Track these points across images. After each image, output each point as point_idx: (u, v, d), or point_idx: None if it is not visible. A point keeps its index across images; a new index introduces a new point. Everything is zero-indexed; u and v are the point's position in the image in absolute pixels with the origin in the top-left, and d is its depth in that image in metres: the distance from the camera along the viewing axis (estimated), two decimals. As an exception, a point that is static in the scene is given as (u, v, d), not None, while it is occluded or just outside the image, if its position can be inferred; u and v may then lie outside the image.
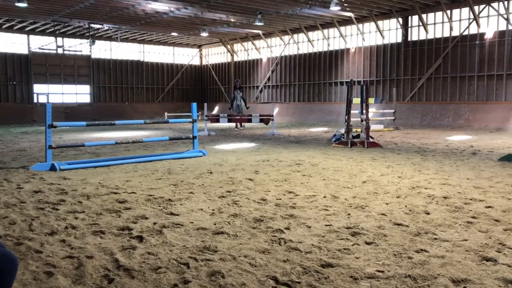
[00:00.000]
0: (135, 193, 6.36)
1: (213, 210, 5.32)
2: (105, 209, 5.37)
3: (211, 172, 8.18)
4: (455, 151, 11.85)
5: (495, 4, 22.10)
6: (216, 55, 40.78)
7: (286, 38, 33.38)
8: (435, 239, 4.19)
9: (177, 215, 5.11)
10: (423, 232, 4.40)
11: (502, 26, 22.10)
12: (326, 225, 4.64)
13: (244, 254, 3.76)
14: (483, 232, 4.39)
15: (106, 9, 25.12)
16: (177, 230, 4.49)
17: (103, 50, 36.27)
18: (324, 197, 6.04)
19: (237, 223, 4.73)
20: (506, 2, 21.67)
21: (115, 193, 6.37)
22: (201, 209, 5.36)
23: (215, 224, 4.69)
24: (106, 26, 30.82)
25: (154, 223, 4.73)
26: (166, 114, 32.15)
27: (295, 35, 32.68)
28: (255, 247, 3.96)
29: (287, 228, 4.54)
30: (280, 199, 5.92)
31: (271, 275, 3.34)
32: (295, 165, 9.11)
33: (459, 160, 10.00)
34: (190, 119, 11.05)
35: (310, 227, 4.59)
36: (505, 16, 21.85)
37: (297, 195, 6.18)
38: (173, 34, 34.33)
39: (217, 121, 18.88)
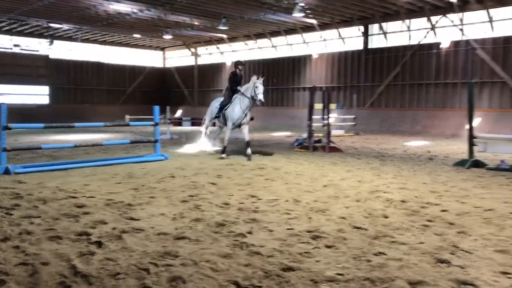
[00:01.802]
0: (94, 197, 6.21)
1: (175, 214, 5.26)
2: (63, 214, 5.22)
3: (173, 176, 8.09)
4: (413, 156, 12.22)
5: (450, 15, 22.98)
6: (179, 58, 40.46)
7: (250, 42, 33.53)
8: (393, 242, 4.30)
9: (138, 220, 5.02)
10: (381, 235, 4.51)
11: (457, 36, 23.00)
12: (287, 229, 4.68)
13: (206, 259, 3.74)
14: (438, 235, 4.54)
15: (67, 8, 24.48)
16: (137, 235, 4.41)
17: (63, 50, 35.29)
18: (286, 201, 6.08)
19: (199, 228, 4.70)
20: (460, 14, 22.58)
21: (73, 197, 6.20)
22: (163, 214, 5.28)
23: (176, 229, 4.64)
24: (66, 26, 30.03)
25: (114, 228, 4.63)
26: (127, 116, 31.58)
27: (259, 40, 32.88)
28: (217, 251, 3.94)
29: (250, 232, 4.54)
30: (243, 203, 5.92)
31: (233, 279, 3.33)
32: (258, 169, 9.14)
33: (416, 165, 10.31)
34: (152, 122, 10.91)
35: (272, 231, 4.62)
36: (460, 27, 22.75)
37: (259, 199, 6.20)
38: (135, 35, 33.83)
39: (180, 124, 18.70)
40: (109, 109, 36.60)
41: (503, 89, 21.40)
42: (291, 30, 29.93)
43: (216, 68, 36.55)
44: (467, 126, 10.27)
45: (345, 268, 3.57)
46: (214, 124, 12.63)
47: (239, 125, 11.26)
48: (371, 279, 3.35)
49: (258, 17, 26.01)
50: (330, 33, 28.62)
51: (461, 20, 22.72)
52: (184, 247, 4.05)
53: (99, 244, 4.12)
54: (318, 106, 16.37)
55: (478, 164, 9.85)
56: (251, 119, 11.45)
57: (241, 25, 28.96)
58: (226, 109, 11.30)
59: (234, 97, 11.26)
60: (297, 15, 23.13)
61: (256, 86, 10.81)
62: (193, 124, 20.39)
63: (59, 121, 29.90)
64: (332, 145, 13.38)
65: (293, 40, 30.94)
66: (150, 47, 39.82)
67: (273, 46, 32.14)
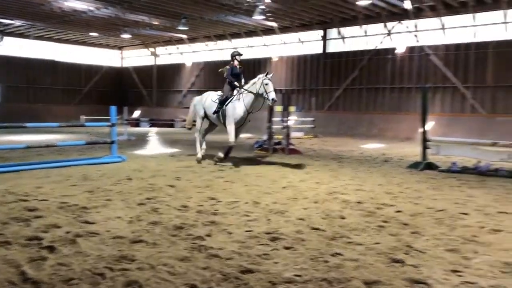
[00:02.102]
0: (46, 200, 5.98)
1: (132, 218, 5.15)
2: (12, 218, 5.00)
3: (130, 179, 7.93)
4: (369, 158, 12.51)
5: (405, 22, 23.73)
6: (138, 57, 39.75)
7: (210, 43, 33.39)
8: (350, 242, 4.38)
9: (93, 223, 4.89)
10: (338, 236, 4.58)
11: (412, 42, 23.78)
12: (247, 231, 4.67)
13: (163, 263, 3.68)
14: (393, 236, 4.66)
15: (19, 4, 23.55)
16: (92, 239, 4.29)
17: (14, 47, 33.89)
18: (246, 203, 6.08)
19: (157, 231, 4.62)
20: (415, 20, 23.35)
21: (24, 200, 5.95)
22: (119, 217, 5.16)
23: (133, 232, 4.54)
24: (18, 22, 28.86)
25: (67, 232, 4.48)
26: (82, 117, 30.70)
27: (219, 42, 32.79)
28: (174, 255, 3.89)
29: (208, 235, 4.51)
30: (202, 205, 5.88)
31: (190, 283, 3.30)
32: (217, 171, 9.10)
33: (372, 167, 10.56)
34: (109, 123, 10.65)
35: (231, 233, 4.60)
36: (414, 33, 23.54)
37: (219, 201, 6.17)
38: (92, 34, 32.97)
39: (138, 125, 18.37)
40: (64, 109, 35.47)
41: (454, 94, 22.29)
42: (251, 32, 30.04)
43: (175, 69, 36.16)
44: (421, 130, 10.62)
45: (303, 269, 3.60)
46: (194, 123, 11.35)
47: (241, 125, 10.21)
48: (328, 279, 3.40)
49: (218, 18, 25.93)
50: (290, 37, 28.92)
51: (416, 26, 23.51)
52: (141, 251, 3.97)
53: (51, 249, 3.97)
54: (278, 108, 16.51)
55: (431, 166, 10.21)
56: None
57: (202, 26, 28.79)
58: (226, 105, 10.16)
59: (235, 92, 10.20)
60: (258, 17, 23.24)
61: (265, 84, 9.66)
62: (151, 125, 20.05)
63: (11, 121, 28.67)
64: (291, 147, 13.50)
65: (253, 42, 31.05)
66: (107, 46, 38.90)
67: (233, 48, 32.12)
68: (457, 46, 22.19)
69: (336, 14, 24.63)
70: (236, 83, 10.30)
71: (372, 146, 16.91)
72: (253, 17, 23.30)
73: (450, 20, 22.53)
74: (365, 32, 25.39)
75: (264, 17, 23.73)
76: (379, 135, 22.98)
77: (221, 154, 9.99)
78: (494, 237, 4.67)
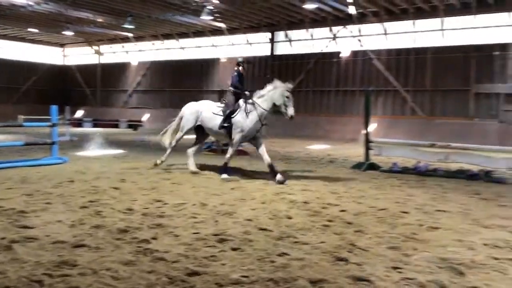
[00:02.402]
0: (-20, 204, 5.64)
1: (73, 221, 4.95)
2: None
3: (72, 181, 7.63)
4: (315, 159, 12.77)
5: (350, 27, 24.44)
6: (81, 55, 38.41)
7: (157, 43, 32.85)
8: (296, 242, 4.44)
9: (31, 228, 4.66)
10: (285, 236, 4.63)
11: (356, 47, 24.52)
12: (194, 233, 4.63)
13: (107, 267, 3.57)
14: (337, 234, 4.77)
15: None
16: (30, 245, 4.09)
17: None
18: (193, 204, 6.02)
19: (100, 235, 4.47)
20: (359, 25, 24.10)
21: (-45, 205, 5.58)
22: (60, 221, 4.95)
23: (75, 237, 4.37)
24: None
25: (2, 238, 4.24)
26: (20, 116, 29.22)
27: (166, 41, 32.33)
28: (118, 259, 3.78)
29: (154, 238, 4.42)
30: (148, 208, 5.75)
31: (135, 287, 3.21)
32: (164, 173, 8.95)
33: (318, 167, 10.78)
34: (49, 123, 10.20)
35: (178, 235, 4.54)
36: (358, 37, 24.29)
37: (165, 203, 6.06)
38: (31, 30, 31.48)
39: (80, 125, 17.77)
40: (1, 108, 33.65)
41: (396, 97, 23.21)
42: (199, 32, 29.85)
43: (121, 68, 35.26)
44: (364, 131, 10.97)
45: (250, 270, 3.61)
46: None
47: (253, 139, 8.89)
48: (274, 279, 3.42)
49: (166, 17, 25.57)
50: (239, 38, 29.00)
51: (360, 31, 24.27)
52: (83, 256, 3.83)
53: (-16, 256, 3.74)
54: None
55: (373, 166, 10.57)
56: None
57: (148, 25, 28.27)
58: (233, 117, 8.82)
59: (241, 102, 8.96)
60: (205, 18, 23.14)
61: (286, 96, 8.70)
62: (95, 126, 19.44)
63: None
64: (240, 148, 13.51)
65: (201, 43, 30.87)
66: (48, 43, 37.33)
67: (181, 48, 31.79)
68: (398, 51, 23.12)
69: (283, 17, 24.97)
70: (246, 93, 9.13)
71: (318, 147, 17.26)
72: (201, 17, 23.16)
73: (392, 26, 23.44)
74: (312, 36, 25.91)
75: (212, 17, 23.66)
76: (325, 136, 23.49)
77: (225, 176, 8.46)
78: (432, 234, 4.89)
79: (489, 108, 20.65)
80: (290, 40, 26.75)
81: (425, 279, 3.51)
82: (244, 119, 8.74)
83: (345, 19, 24.07)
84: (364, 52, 24.08)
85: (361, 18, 23.66)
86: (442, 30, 21.70)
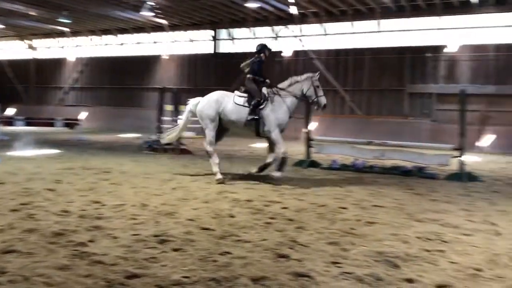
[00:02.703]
0: None
1: (3, 226, 4.67)
2: None
3: (2, 183, 7.19)
4: (258, 157, 12.84)
5: (291, 26, 24.83)
6: (12, 50, 36.30)
7: (95, 38, 31.73)
8: (238, 240, 4.44)
9: (-45, 234, 4.34)
10: (228, 235, 4.62)
11: (298, 46, 24.94)
12: (133, 235, 4.51)
13: (39, 273, 3.39)
14: (279, 231, 4.83)
15: None
16: (-46, 252, 3.81)
17: None
18: (133, 205, 5.86)
19: (32, 239, 4.25)
20: (300, 26, 24.54)
21: None
22: (-13, 226, 4.65)
23: (4, 242, 4.12)
24: None
25: None
26: None
27: (105, 37, 31.30)
28: (52, 264, 3.60)
29: (91, 241, 4.26)
30: (85, 210, 5.53)
31: (70, 293, 3.08)
32: (102, 173, 8.65)
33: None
34: (-23, 122, 9.56)
35: (116, 237, 4.40)
36: (300, 37, 24.73)
37: (104, 205, 5.86)
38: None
39: (11, 124, 16.82)
40: None
41: (335, 96, 23.85)
42: (140, 28, 29.15)
43: (56, 64, 33.71)
44: (305, 130, 11.20)
45: (192, 271, 3.57)
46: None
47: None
48: (216, 279, 3.40)
49: (104, 12, 24.74)
50: (180, 35, 28.62)
51: (301, 31, 24.71)
52: (13, 262, 3.62)
53: None
54: (168, 107, 16.23)
55: (314, 164, 10.81)
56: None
57: (86, 20, 27.24)
58: (261, 108, 8.24)
59: (267, 93, 8.41)
60: (146, 14, 22.63)
61: (317, 86, 8.33)
62: (28, 124, 18.46)
63: None
64: (182, 147, 13.36)
65: (142, 39, 30.16)
66: (-25, 36, 35.01)
67: (120, 44, 30.90)
68: (338, 52, 23.78)
69: (226, 15, 24.94)
70: (267, 81, 8.63)
71: (261, 146, 17.39)
72: (141, 13, 22.63)
73: (331, 26, 24.06)
74: (254, 34, 26.06)
75: (153, 13, 23.17)
76: (268, 134, 23.66)
77: (277, 174, 8.14)
78: (369, 229, 5.07)
79: (422, 108, 21.72)
80: (233, 38, 26.76)
81: (363, 272, 3.63)
82: (275, 111, 8.20)
83: (287, 19, 24.41)
84: (305, 52, 24.55)
85: (302, 18, 24.10)
86: (378, 31, 22.54)
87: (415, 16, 21.65)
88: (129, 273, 3.46)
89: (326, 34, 24.03)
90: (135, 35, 29.92)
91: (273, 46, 25.27)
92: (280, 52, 25.24)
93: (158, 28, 28.31)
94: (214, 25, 26.94)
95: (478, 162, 13.27)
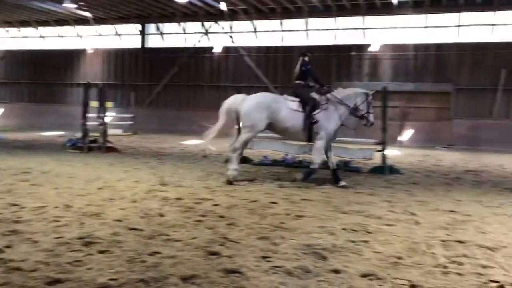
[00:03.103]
0: None
1: None
2: None
3: None
4: (189, 154, 12.72)
5: (222, 23, 24.79)
6: None
7: (12, 30, 29.72)
8: (168, 240, 4.36)
9: None
10: (157, 234, 4.53)
11: (228, 43, 24.95)
12: (56, 238, 4.28)
13: None
14: (210, 229, 4.80)
15: None
16: None
17: None
18: (55, 207, 5.56)
19: None
20: (230, 22, 24.56)
21: None
22: None
23: None
24: None
25: None
26: None
27: (23, 29, 29.42)
28: (-38, 274, 3.33)
29: (8, 246, 3.99)
30: (1, 213, 5.17)
31: (-16, 304, 2.87)
32: (22, 174, 8.13)
33: (192, 163, 10.77)
34: None
35: (37, 242, 4.16)
36: (230, 34, 24.75)
37: (23, 207, 5.50)
38: None
39: None
40: None
41: (266, 93, 24.17)
42: (62, 21, 27.71)
43: (-32, 57, 31.21)
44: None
45: (119, 272, 3.45)
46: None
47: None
48: (145, 280, 3.32)
49: (21, 2, 23.23)
50: (106, 29, 27.57)
51: (231, 28, 24.74)
52: None
53: None
54: (93, 104, 15.60)
55: (245, 160, 10.87)
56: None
57: (1, 10, 25.42)
58: (315, 114, 8.01)
59: (319, 99, 8.19)
60: (68, 5, 21.57)
61: (369, 102, 8.29)
62: None
63: None
64: (109, 145, 12.89)
65: (65, 32, 28.71)
66: None
67: (41, 37, 29.20)
68: (268, 49, 24.09)
69: (154, 9, 24.38)
70: (325, 87, 8.46)
71: (192, 143, 17.22)
72: (63, 5, 21.53)
73: (261, 24, 24.32)
74: (184, 30, 25.71)
75: (75, 5, 22.12)
76: (199, 131, 23.41)
77: (299, 176, 8.09)
78: (298, 222, 5.19)
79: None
80: (161, 33, 26.22)
81: (292, 265, 3.70)
82: (327, 119, 8.00)
83: (217, 15, 24.34)
84: (236, 49, 24.62)
85: (232, 15, 24.14)
86: (306, 30, 23.11)
87: (340, 16, 22.45)
88: (51, 279, 3.28)
89: (256, 32, 24.24)
90: (57, 27, 28.41)
91: (203, 42, 25.19)
92: (211, 48, 25.12)
93: (82, 21, 27.08)
94: (142, 19, 26.24)
95: (399, 156, 14.04)
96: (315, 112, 8.00)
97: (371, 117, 8.38)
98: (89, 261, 3.70)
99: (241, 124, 8.19)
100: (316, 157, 8.12)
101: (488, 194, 7.59)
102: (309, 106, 8.00)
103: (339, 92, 8.40)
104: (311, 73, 8.48)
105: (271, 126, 8.14)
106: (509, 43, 20.07)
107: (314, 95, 8.24)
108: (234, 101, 8.21)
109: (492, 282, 3.50)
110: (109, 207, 5.67)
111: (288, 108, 8.03)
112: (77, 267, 3.56)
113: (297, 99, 8.17)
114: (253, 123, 7.96)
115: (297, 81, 8.43)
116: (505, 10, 20.03)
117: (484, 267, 3.84)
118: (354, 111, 8.28)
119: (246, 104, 8.02)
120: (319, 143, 8.06)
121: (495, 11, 19.93)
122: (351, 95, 8.35)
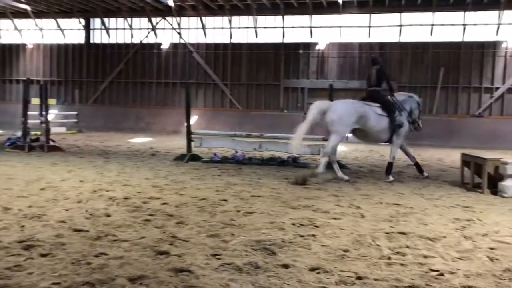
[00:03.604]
0: None
1: None
2: None
3: None
4: (136, 153, 12.45)
5: (169, 19, 24.39)
6: None
7: None
8: (115, 240, 4.25)
9: None
10: (103, 235, 4.40)
11: (176, 39, 24.61)
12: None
13: None
14: (158, 228, 4.73)
15: None
16: None
17: None
18: (-7, 210, 5.28)
19: None
20: (178, 18, 24.22)
21: None
22: None
23: None
24: None
25: None
26: None
27: (-44, 21, 27.65)
28: None
29: None
30: None
31: None
32: (-45, 175, 7.66)
33: (139, 161, 10.55)
34: None
35: (-29, 248, 3.93)
36: (178, 30, 24.41)
37: (-44, 211, 5.19)
38: None
39: None
40: None
41: (215, 90, 24.07)
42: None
43: None
44: (186, 123, 11.11)
45: (62, 276, 3.33)
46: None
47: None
48: (91, 282, 3.22)
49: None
50: (48, 23, 26.40)
51: (179, 24, 24.40)
52: None
53: None
54: (35, 101, 14.94)
55: (195, 157, 10.80)
56: None
57: None
58: (397, 116, 8.79)
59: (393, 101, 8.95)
60: (6, -3, 20.48)
61: (420, 108, 9.27)
62: None
63: None
64: (52, 144, 12.39)
65: (2, 26, 27.22)
66: None
67: (-24, 30, 27.54)
68: (216, 46, 23.98)
69: (99, 4, 23.62)
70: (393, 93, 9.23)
71: (139, 140, 16.88)
72: (0, -3, 20.41)
73: (210, 21, 24.17)
74: (130, 25, 25.10)
75: (14, -2, 21.04)
76: (147, 129, 23.10)
77: (389, 178, 8.56)
78: (248, 219, 5.21)
79: (296, 101, 22.92)
80: (107, 29, 25.45)
81: (242, 262, 3.72)
82: (405, 119, 8.86)
83: (164, 11, 23.93)
84: (184, 45, 24.33)
85: (180, 11, 23.82)
86: (255, 28, 23.20)
87: (288, 14, 22.71)
88: (-12, 286, 3.11)
89: (204, 28, 24.05)
90: (-6, 20, 26.91)
91: (151, 38, 24.70)
92: (159, 44, 24.69)
93: (21, 14, 25.77)
94: (86, 14, 25.35)
95: (344, 151, 14.41)
96: (395, 115, 8.76)
97: (420, 122, 9.20)
98: (29, 265, 3.54)
99: (330, 129, 8.55)
100: (394, 152, 8.89)
101: (429, 187, 7.96)
102: (391, 110, 8.74)
103: (398, 96, 9.18)
104: (386, 80, 9.15)
105: (357, 130, 8.75)
106: (447, 43, 21.10)
107: (390, 99, 8.99)
108: (321, 107, 8.57)
109: (433, 271, 3.67)
110: (52, 208, 5.45)
111: (375, 113, 8.61)
112: (16, 272, 3.40)
113: (377, 104, 8.78)
114: (343, 128, 8.51)
115: (373, 88, 9.07)
116: (443, 11, 21.02)
117: (425, 257, 4.03)
118: (409, 114, 9.01)
119: (337, 110, 8.47)
120: (399, 142, 8.92)
121: (434, 12, 20.86)
122: (406, 100, 9.13)
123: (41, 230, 4.50)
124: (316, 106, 8.56)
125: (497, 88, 20.68)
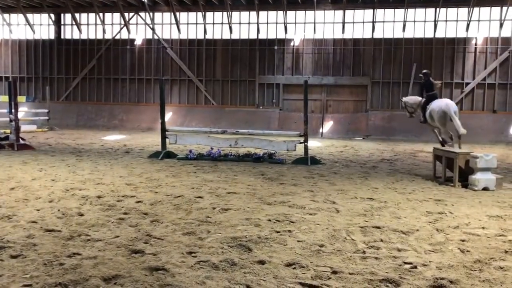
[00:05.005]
0: None
1: None
2: None
3: None
4: (110, 150, 12.26)
5: (142, 14, 24.05)
6: None
7: None
8: (88, 240, 4.18)
9: None
10: (76, 235, 4.32)
11: (149, 35, 24.29)
12: None
13: None
14: (133, 227, 4.67)
15: None
16: None
17: None
18: (-40, 211, 5.12)
19: None
20: (151, 13, 23.91)
21: None
22: None
23: None
24: None
25: None
26: None
27: None
28: None
29: None
30: None
31: None
32: None
33: (113, 159, 10.39)
34: None
35: None
36: (151, 25, 24.10)
37: None
38: None
39: None
40: None
41: (190, 86, 23.87)
42: (-36, 8, 25.40)
43: None
44: (160, 120, 10.99)
45: (34, 278, 3.25)
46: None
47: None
48: (63, 283, 3.15)
49: None
50: (16, 18, 25.68)
51: (152, 20, 24.09)
52: None
53: None
54: (4, 98, 14.54)
55: (170, 155, 10.70)
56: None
57: None
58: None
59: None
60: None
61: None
62: None
63: None
64: (22, 142, 12.08)
65: (-33, 21, 26.33)
66: None
67: None
68: (191, 42, 23.78)
69: (69, -2, 23.09)
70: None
71: (113, 138, 16.63)
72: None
73: (184, 16, 23.93)
74: (102, 21, 24.65)
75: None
76: (120, 126, 22.79)
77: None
78: (223, 216, 5.20)
79: (271, 97, 22.96)
80: (78, 24, 24.92)
81: (218, 259, 3.71)
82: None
83: (137, 6, 23.57)
84: (158, 41, 24.05)
85: (153, 7, 23.51)
86: (229, 24, 23.10)
87: (263, 10, 22.67)
88: (-45, 290, 3.01)
89: (178, 24, 23.81)
90: (-42, 15, 25.99)
91: (123, 34, 24.31)
92: (132, 40, 24.33)
93: (-12, 8, 24.99)
94: (56, 9, 24.74)
95: (319, 147, 14.54)
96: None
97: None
98: (-1, 267, 3.45)
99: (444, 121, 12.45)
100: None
101: (402, 181, 8.10)
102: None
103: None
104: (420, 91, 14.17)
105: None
106: (419, 39, 21.46)
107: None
108: (455, 106, 12.48)
109: (406, 264, 3.73)
110: (22, 209, 5.32)
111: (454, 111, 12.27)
112: (-15, 275, 3.30)
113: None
114: (448, 121, 12.34)
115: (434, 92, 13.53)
116: (414, 8, 21.37)
117: (399, 250, 4.10)
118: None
119: (453, 107, 12.22)
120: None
121: (406, 8, 21.18)
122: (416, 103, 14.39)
123: (11, 231, 4.39)
124: (451, 104, 12.34)
125: (467, 84, 21.16)
